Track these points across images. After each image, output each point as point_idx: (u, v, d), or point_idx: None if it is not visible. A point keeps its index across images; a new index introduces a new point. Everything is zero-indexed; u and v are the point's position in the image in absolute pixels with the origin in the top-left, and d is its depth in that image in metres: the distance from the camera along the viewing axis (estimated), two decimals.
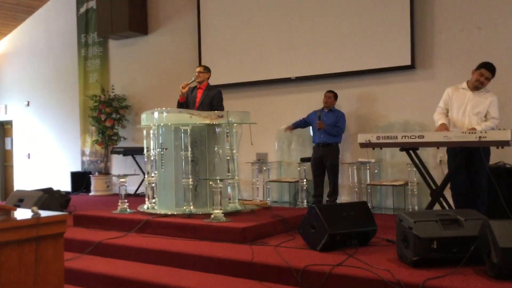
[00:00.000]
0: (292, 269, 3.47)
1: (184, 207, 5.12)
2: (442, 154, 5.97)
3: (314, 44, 7.21)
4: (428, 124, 6.07)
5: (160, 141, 5.34)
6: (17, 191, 6.42)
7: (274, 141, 7.64)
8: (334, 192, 6.48)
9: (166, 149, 5.31)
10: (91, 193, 9.21)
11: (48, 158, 10.69)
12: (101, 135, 9.20)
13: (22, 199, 5.62)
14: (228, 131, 5.23)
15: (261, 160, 7.42)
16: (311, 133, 6.73)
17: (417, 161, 4.72)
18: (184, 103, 5.77)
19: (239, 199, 5.52)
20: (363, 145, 4.67)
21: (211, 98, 5.66)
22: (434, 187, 4.68)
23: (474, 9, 6.15)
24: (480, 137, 4.10)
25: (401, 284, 3.03)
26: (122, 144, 9.29)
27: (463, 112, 4.75)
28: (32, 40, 11.00)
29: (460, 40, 6.24)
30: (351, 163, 6.75)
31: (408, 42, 6.43)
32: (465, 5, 6.21)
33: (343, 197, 6.87)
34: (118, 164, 9.60)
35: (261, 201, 6.61)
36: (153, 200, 5.44)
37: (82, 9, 10.08)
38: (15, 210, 2.97)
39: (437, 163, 6.21)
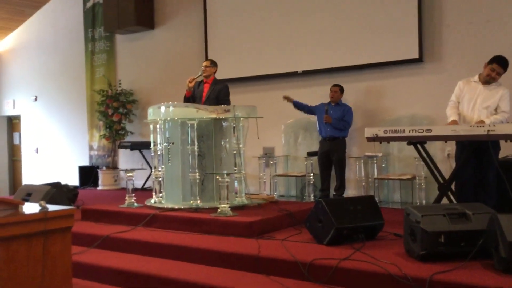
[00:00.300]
0: (299, 263, 3.47)
1: (191, 201, 5.13)
2: (450, 148, 5.92)
3: (320, 37, 7.17)
4: (436, 118, 6.03)
5: (167, 136, 5.34)
6: (25, 185, 6.46)
7: (281, 135, 7.62)
8: (341, 186, 6.46)
9: (173, 143, 5.31)
10: (99, 187, 9.27)
11: (56, 152, 10.75)
12: (108, 129, 9.24)
13: (30, 194, 5.65)
14: (234, 125, 5.22)
15: (268, 154, 7.40)
16: (318, 127, 6.71)
17: (424, 155, 4.69)
18: (191, 97, 5.77)
19: (245, 193, 5.51)
20: (370, 139, 4.64)
21: (218, 92, 5.65)
22: (442, 181, 4.66)
23: (483, 2, 6.08)
24: (488, 130, 4.07)
25: (408, 278, 3.02)
26: (129, 138, 9.33)
27: (473, 105, 4.69)
28: (39, 35, 11.05)
29: (468, 33, 6.18)
30: (358, 157, 6.72)
31: (416, 35, 6.38)
32: None
33: (350, 191, 6.85)
34: (126, 159, 9.64)
35: (268, 195, 6.59)
36: (160, 194, 5.46)
37: (89, 4, 10.10)
38: (23, 204, 3.00)
39: (445, 156, 6.16)
